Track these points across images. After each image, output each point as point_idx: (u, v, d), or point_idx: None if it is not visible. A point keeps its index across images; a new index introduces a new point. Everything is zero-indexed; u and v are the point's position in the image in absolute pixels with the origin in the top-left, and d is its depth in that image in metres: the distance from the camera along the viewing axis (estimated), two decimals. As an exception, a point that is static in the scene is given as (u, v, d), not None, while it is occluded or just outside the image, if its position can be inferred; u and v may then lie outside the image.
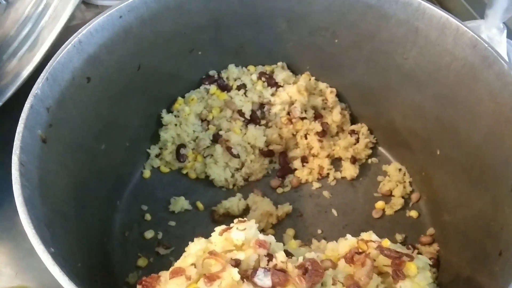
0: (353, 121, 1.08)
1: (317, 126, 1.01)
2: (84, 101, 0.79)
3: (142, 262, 0.90)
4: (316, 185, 1.02)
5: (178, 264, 0.61)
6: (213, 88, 1.04)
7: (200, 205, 0.98)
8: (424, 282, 0.62)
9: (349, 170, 1.02)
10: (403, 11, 0.85)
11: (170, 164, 1.02)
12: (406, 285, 0.61)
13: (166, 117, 1.01)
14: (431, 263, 0.68)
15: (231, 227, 0.63)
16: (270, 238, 0.63)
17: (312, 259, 0.60)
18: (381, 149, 1.08)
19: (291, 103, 1.03)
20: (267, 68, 1.06)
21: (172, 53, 0.94)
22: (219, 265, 0.57)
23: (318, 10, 0.93)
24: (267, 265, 0.60)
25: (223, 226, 0.65)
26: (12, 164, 0.62)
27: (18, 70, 0.91)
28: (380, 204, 0.98)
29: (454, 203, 0.88)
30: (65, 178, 0.75)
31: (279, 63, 1.06)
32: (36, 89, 0.69)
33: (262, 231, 0.93)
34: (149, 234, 0.93)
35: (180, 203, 0.97)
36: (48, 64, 0.72)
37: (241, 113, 1.02)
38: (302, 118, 1.03)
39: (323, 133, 1.01)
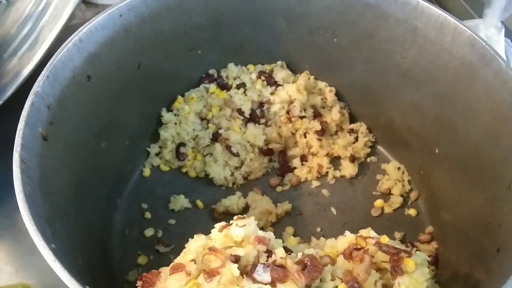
0: (352, 120, 1.09)
1: (316, 125, 1.02)
2: (84, 99, 0.79)
3: (142, 260, 0.90)
4: (315, 183, 1.02)
5: (178, 260, 0.61)
6: (212, 87, 1.04)
7: (199, 203, 0.98)
8: (422, 278, 0.62)
9: (348, 169, 1.03)
10: (401, 10, 0.85)
11: (170, 162, 1.03)
12: (404, 281, 0.62)
13: (166, 116, 1.02)
14: (429, 259, 0.68)
15: (231, 224, 0.64)
16: (270, 235, 0.63)
17: (311, 255, 0.61)
18: (380, 147, 1.08)
19: (291, 102, 1.03)
20: (267, 67, 1.07)
21: (172, 52, 0.95)
22: (218, 261, 0.58)
23: (318, 9, 0.93)
24: (267, 261, 0.60)
25: (223, 223, 0.65)
26: (13, 161, 0.62)
27: (18, 69, 0.92)
28: (379, 202, 0.98)
29: (453, 201, 0.89)
30: (66, 175, 0.75)
31: (279, 62, 1.06)
32: (37, 87, 0.69)
33: (262, 229, 0.94)
34: (149, 232, 0.93)
35: (180, 202, 0.97)
36: (49, 62, 0.72)
37: (240, 112, 1.02)
38: (302, 117, 1.03)
39: (322, 132, 1.02)
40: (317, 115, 1.04)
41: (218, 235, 0.63)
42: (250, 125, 1.02)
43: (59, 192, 0.72)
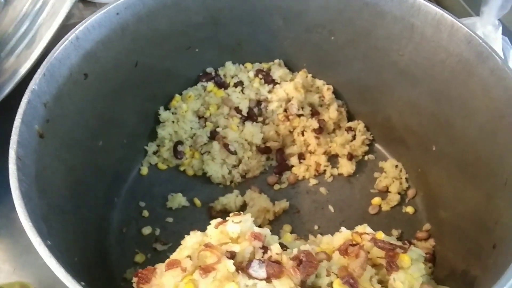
0: (350, 118, 1.09)
1: (314, 123, 1.02)
2: (81, 97, 0.79)
3: (139, 258, 0.90)
4: (313, 181, 1.02)
5: (173, 256, 0.61)
6: (210, 85, 1.04)
7: (197, 201, 0.98)
8: (418, 274, 0.63)
9: (346, 167, 1.03)
10: (398, 8, 0.85)
11: (167, 161, 1.03)
12: (399, 276, 0.62)
13: (164, 114, 1.02)
14: (424, 255, 0.68)
15: (227, 220, 0.64)
16: (266, 231, 0.64)
17: (307, 251, 0.61)
18: (377, 145, 1.08)
19: (288, 100, 1.03)
20: (264, 66, 1.07)
21: (169, 50, 0.95)
22: (214, 257, 0.58)
23: (315, 7, 0.93)
24: (262, 257, 0.60)
25: (219, 219, 0.65)
26: (9, 158, 0.62)
27: (16, 67, 0.92)
28: (376, 200, 0.99)
29: (450, 199, 0.89)
30: (63, 173, 0.75)
31: (276, 61, 1.06)
32: (33, 84, 0.69)
33: (259, 227, 0.93)
34: (146, 230, 0.94)
35: (178, 200, 0.97)
36: (46, 60, 0.72)
37: (238, 110, 1.02)
38: (299, 115, 1.03)
39: (320, 130, 1.02)
40: (314, 113, 1.04)
41: (214, 231, 0.63)
42: (248, 123, 1.03)
43: (55, 190, 0.72)
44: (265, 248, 0.61)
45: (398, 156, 1.05)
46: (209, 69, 1.06)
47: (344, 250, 0.64)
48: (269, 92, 1.05)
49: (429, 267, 0.86)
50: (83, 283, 0.54)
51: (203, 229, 0.69)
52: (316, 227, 0.96)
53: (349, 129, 1.06)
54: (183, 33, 0.94)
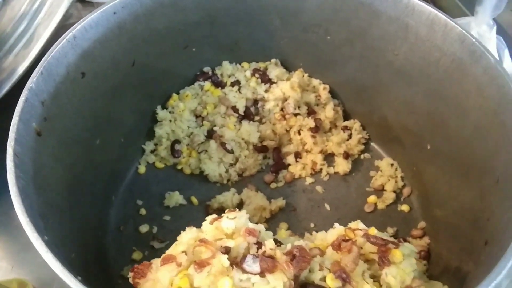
0: (346, 117, 1.09)
1: (310, 122, 1.03)
2: (78, 96, 0.80)
3: (137, 255, 0.91)
4: (309, 180, 1.03)
5: (169, 251, 0.62)
6: (207, 84, 1.05)
7: (194, 200, 0.99)
8: (409, 269, 0.63)
9: (342, 166, 1.03)
10: (393, 8, 0.86)
11: (165, 159, 1.04)
12: (391, 271, 0.63)
13: (161, 113, 1.02)
14: (416, 250, 0.69)
15: (222, 216, 0.64)
16: (260, 227, 0.64)
17: (300, 246, 0.62)
18: (373, 144, 1.09)
19: (285, 100, 1.04)
20: (261, 65, 1.07)
21: (167, 49, 0.95)
22: (209, 252, 0.59)
23: (311, 7, 0.94)
24: (256, 252, 0.61)
25: (214, 216, 0.66)
26: (7, 155, 0.63)
27: (14, 66, 0.93)
28: (372, 198, 0.99)
29: (444, 197, 0.89)
30: (60, 171, 0.76)
31: (273, 60, 1.07)
32: (31, 83, 0.70)
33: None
34: (144, 228, 0.94)
35: (175, 198, 0.98)
36: (43, 58, 0.73)
37: (235, 109, 1.03)
38: (296, 114, 1.04)
39: (316, 129, 1.02)
40: (311, 112, 1.05)
41: (209, 227, 0.64)
42: (245, 122, 1.03)
43: (53, 187, 0.73)
44: (259, 244, 0.62)
45: (394, 155, 1.05)
46: (206, 68, 1.06)
47: (337, 246, 0.65)
48: (266, 91, 1.05)
49: (424, 264, 0.86)
50: (79, 278, 0.55)
51: (200, 227, 0.70)
52: (312, 225, 0.96)
53: (345, 128, 1.07)
54: (180, 32, 0.95)
